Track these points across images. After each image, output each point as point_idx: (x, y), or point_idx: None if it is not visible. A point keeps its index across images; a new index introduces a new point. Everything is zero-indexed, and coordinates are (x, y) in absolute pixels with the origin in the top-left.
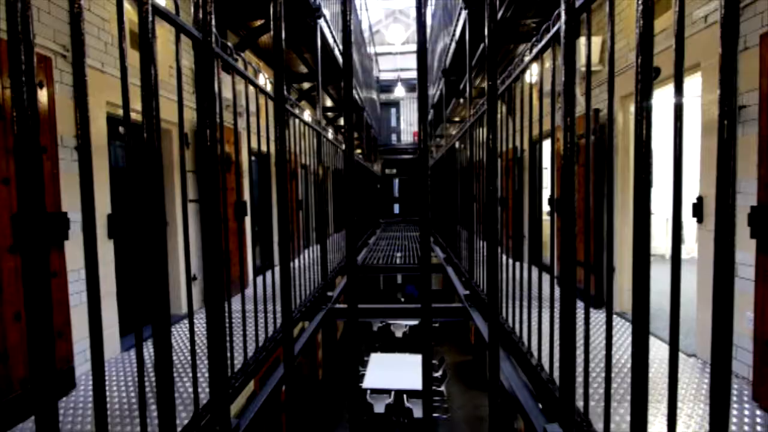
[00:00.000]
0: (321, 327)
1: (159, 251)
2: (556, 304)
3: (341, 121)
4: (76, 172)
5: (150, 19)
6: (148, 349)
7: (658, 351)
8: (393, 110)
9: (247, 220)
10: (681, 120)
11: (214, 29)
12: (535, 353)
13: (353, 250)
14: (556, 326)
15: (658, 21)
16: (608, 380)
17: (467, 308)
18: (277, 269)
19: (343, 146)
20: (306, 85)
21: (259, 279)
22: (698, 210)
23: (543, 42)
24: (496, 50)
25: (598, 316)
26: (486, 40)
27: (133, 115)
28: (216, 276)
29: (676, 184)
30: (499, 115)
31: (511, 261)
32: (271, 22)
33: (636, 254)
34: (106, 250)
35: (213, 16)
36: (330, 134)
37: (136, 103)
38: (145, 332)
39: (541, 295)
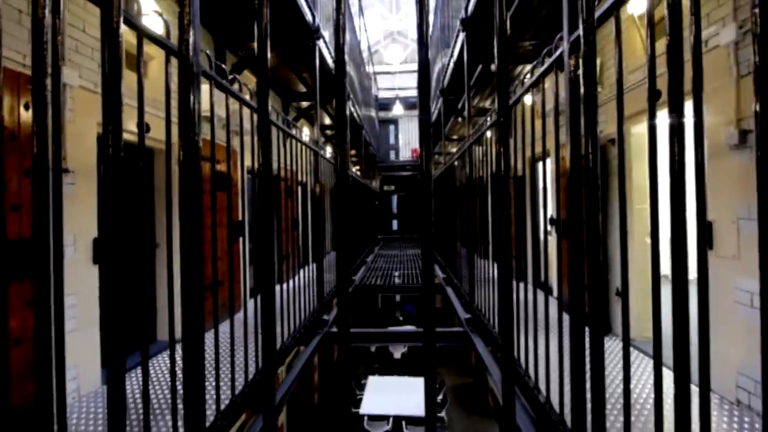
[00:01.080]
0: (317, 352)
1: (119, 280)
2: (561, 327)
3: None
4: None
5: (120, 34)
6: (131, 381)
7: (667, 381)
8: (391, 127)
9: (242, 239)
10: (702, 144)
11: (192, 44)
12: (542, 386)
13: (345, 276)
14: (563, 350)
15: (657, 44)
16: (627, 422)
17: (468, 333)
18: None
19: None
20: (305, 104)
21: (253, 301)
22: (707, 235)
23: (545, 66)
24: (506, 72)
25: (606, 345)
26: (496, 61)
27: (128, 136)
28: (197, 313)
29: (699, 211)
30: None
31: (513, 282)
32: (255, 43)
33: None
34: (90, 276)
35: (192, 33)
36: (328, 152)
37: (131, 124)
38: (132, 360)
39: (548, 321)
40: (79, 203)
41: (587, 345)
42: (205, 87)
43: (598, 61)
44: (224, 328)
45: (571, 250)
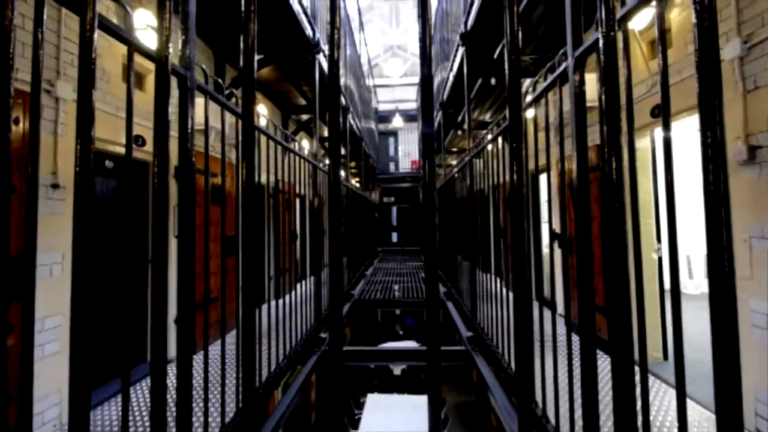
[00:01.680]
0: (314, 371)
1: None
2: (570, 350)
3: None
4: (51, 212)
5: (93, 48)
6: (117, 406)
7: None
8: (391, 139)
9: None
10: (725, 156)
11: (171, 57)
12: (550, 414)
13: (339, 293)
14: (573, 374)
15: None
16: None
17: (470, 352)
18: (269, 306)
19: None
20: (304, 117)
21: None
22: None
23: (549, 80)
24: (517, 86)
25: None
26: (507, 76)
27: (120, 149)
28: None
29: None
30: (499, 147)
31: (513, 295)
32: (241, 57)
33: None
34: None
35: (180, 46)
36: (327, 165)
37: (122, 137)
38: (114, 386)
39: (555, 345)
40: (69, 219)
41: (581, 363)
42: (200, 100)
43: (595, 76)
44: (229, 340)
45: (579, 267)
